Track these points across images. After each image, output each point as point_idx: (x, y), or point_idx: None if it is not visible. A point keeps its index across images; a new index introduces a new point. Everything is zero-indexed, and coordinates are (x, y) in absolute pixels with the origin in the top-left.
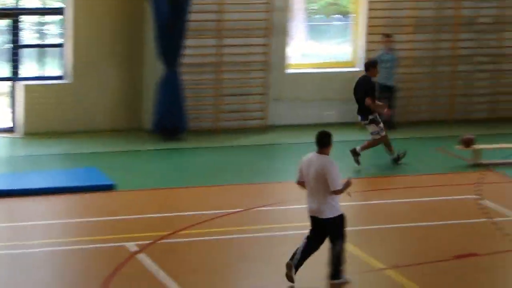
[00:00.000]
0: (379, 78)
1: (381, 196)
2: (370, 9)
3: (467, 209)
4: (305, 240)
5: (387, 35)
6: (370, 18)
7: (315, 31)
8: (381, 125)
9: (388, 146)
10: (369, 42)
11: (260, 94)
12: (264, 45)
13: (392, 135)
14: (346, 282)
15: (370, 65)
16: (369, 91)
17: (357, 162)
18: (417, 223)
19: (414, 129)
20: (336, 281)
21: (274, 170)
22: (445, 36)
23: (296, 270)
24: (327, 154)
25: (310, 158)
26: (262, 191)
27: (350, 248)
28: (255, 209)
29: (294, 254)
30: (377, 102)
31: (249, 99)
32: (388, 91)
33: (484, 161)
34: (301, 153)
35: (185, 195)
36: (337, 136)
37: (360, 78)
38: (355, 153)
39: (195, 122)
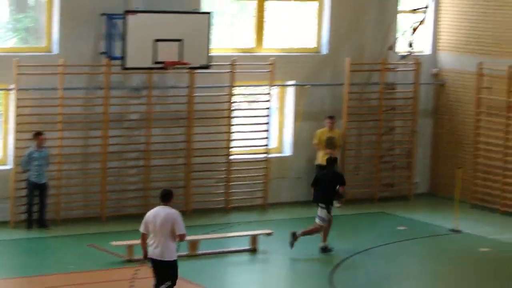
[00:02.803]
0: (31, 176)
1: None
2: (19, 107)
3: None
4: None
5: (38, 133)
6: (18, 115)
7: None
8: (331, 216)
9: (325, 235)
10: (18, 140)
11: None
12: None
13: (47, 234)
14: None
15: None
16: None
17: (292, 245)
18: None
19: (66, 226)
20: None
21: None
22: (95, 133)
23: None
24: (170, 206)
25: (156, 211)
26: None
27: None
28: None
29: None
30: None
31: None
32: (40, 189)
33: (138, 256)
34: None
35: None
36: None
37: (328, 172)
38: (293, 236)
39: None
